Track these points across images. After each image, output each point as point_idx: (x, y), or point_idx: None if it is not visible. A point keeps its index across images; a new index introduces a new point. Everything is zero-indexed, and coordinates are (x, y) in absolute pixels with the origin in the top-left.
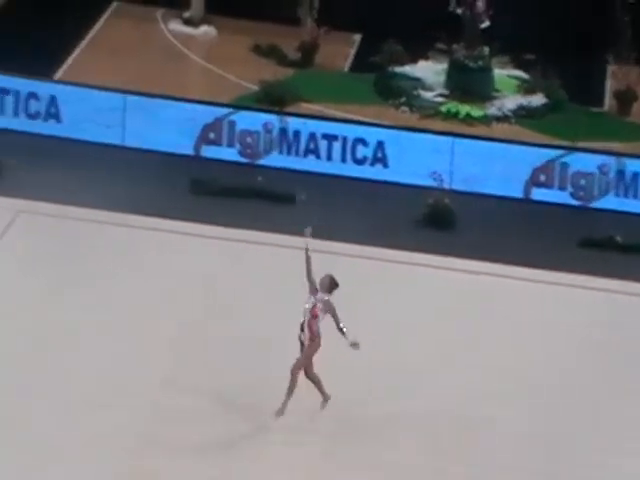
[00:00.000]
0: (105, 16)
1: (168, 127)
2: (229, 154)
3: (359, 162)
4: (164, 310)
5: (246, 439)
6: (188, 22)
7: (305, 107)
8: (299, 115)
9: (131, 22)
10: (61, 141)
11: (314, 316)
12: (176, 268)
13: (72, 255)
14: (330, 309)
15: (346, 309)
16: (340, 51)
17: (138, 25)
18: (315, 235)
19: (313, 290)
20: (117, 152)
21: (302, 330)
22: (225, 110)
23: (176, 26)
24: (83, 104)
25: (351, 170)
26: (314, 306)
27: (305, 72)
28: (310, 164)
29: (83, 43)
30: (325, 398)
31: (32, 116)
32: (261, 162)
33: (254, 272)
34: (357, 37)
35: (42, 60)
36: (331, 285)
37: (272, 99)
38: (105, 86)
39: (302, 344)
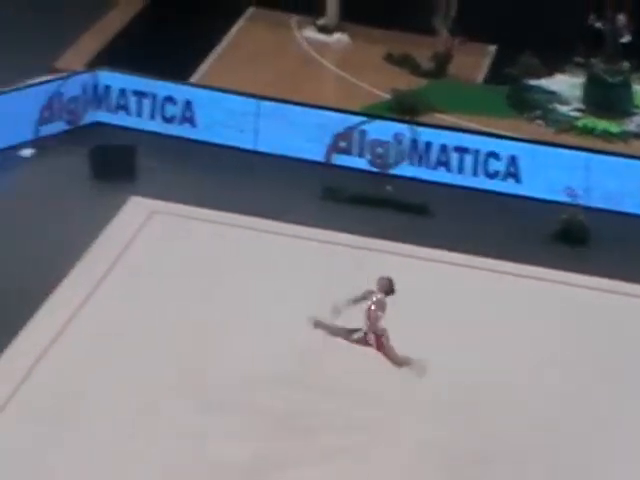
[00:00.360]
0: (241, 21)
1: (300, 133)
2: (359, 163)
3: (491, 176)
4: (289, 313)
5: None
6: (322, 29)
7: (437, 118)
8: (431, 126)
9: (266, 28)
10: (195, 144)
11: (373, 318)
12: (303, 273)
13: (202, 256)
14: (383, 307)
15: (480, 324)
16: (474, 62)
17: (273, 31)
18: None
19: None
20: (249, 156)
21: (366, 335)
22: (357, 119)
23: (310, 33)
24: (217, 108)
25: (483, 183)
26: (370, 307)
27: (438, 82)
28: (441, 175)
29: (219, 48)
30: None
31: (168, 120)
32: (391, 171)
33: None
34: (492, 48)
35: (179, 64)
36: (389, 286)
37: (404, 108)
38: (239, 91)
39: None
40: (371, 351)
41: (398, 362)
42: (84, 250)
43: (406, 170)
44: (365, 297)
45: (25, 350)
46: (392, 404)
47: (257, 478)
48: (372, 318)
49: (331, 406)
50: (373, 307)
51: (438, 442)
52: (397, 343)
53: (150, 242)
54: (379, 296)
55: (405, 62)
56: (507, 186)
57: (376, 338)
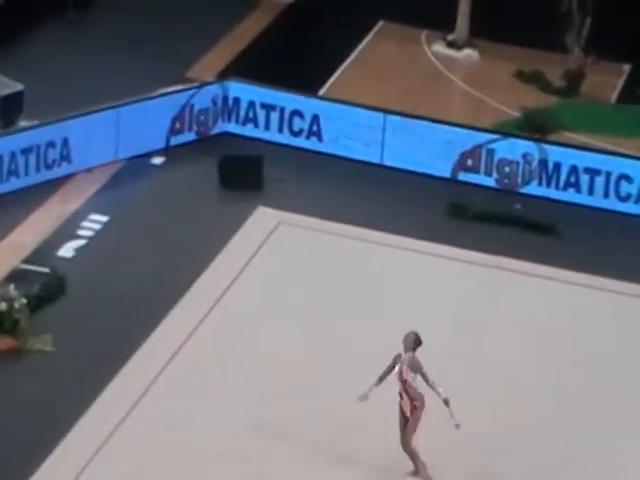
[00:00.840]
0: (370, 35)
1: (426, 149)
2: (486, 181)
3: (623, 199)
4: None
5: None
6: (452, 45)
7: (568, 137)
8: (561, 145)
9: (395, 42)
10: (322, 156)
11: (403, 382)
12: (426, 290)
13: (326, 268)
14: (417, 366)
15: (607, 348)
16: (607, 81)
17: (402, 45)
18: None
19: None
20: (375, 170)
21: (401, 397)
22: (484, 137)
23: (439, 48)
24: (344, 121)
25: (615, 205)
26: (401, 371)
27: (569, 101)
28: (570, 196)
29: (348, 61)
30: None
31: (295, 132)
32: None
33: (503, 300)
34: (626, 67)
35: (308, 76)
36: (415, 343)
37: (533, 127)
38: (366, 104)
39: (404, 413)
40: None
41: (407, 440)
42: (211, 258)
43: (534, 189)
44: (394, 364)
45: (158, 351)
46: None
47: None
48: (404, 383)
49: None
50: (404, 370)
51: None
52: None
53: (276, 252)
54: (408, 355)
55: (536, 79)
56: (638, 209)
57: (410, 402)
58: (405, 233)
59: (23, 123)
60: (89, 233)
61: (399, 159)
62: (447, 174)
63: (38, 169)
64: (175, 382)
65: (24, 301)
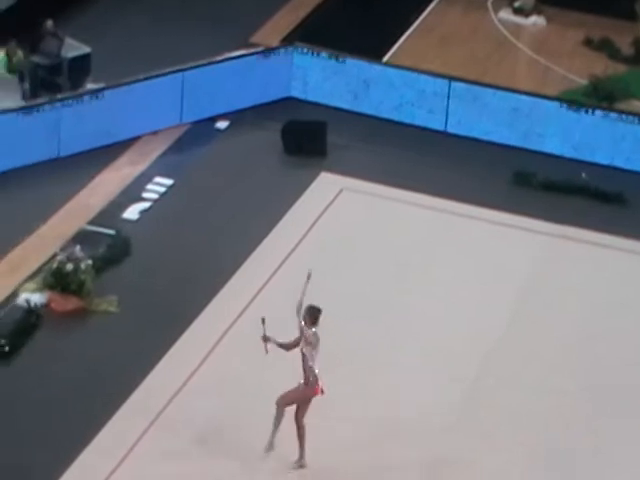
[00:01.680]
0: (435, 1)
1: (492, 116)
2: (553, 148)
3: None
4: (473, 298)
5: None
6: (518, 11)
7: (636, 105)
8: (628, 113)
9: (461, 9)
10: (385, 122)
11: (302, 354)
12: (491, 258)
13: (389, 235)
14: (310, 341)
15: None
16: None
17: (467, 12)
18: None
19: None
20: (439, 137)
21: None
22: (551, 104)
23: (506, 15)
24: (409, 88)
25: None
26: (299, 343)
27: (638, 69)
28: (638, 165)
29: (413, 27)
30: (301, 459)
31: (359, 97)
32: (586, 158)
33: (569, 270)
34: None
35: (372, 43)
36: (312, 317)
37: (601, 95)
38: (431, 71)
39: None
40: None
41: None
42: (274, 223)
43: (602, 157)
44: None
45: (222, 312)
46: None
47: None
48: (303, 355)
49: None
50: (302, 343)
51: None
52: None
53: (338, 218)
54: (308, 329)
55: (604, 47)
56: None
57: (304, 376)
58: (469, 201)
59: (90, 85)
60: (154, 196)
61: (463, 127)
62: (512, 142)
63: (104, 131)
64: (240, 342)
65: (90, 262)
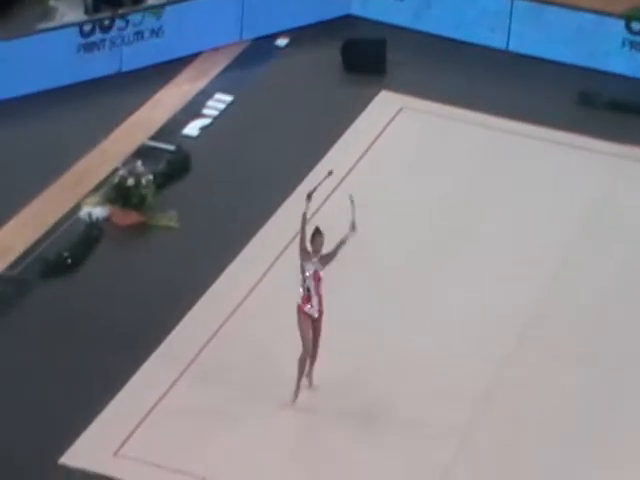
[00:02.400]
0: None
1: (555, 35)
2: (618, 68)
3: None
4: (537, 220)
5: None
6: None
7: None
8: None
9: None
10: (445, 40)
11: (318, 280)
12: (555, 179)
13: (449, 155)
14: (327, 260)
15: None
16: None
17: None
18: None
19: (306, 257)
20: (500, 56)
21: (310, 303)
22: (617, 23)
23: None
24: (470, 6)
25: None
26: (316, 271)
27: None
28: None
29: None
30: (309, 382)
31: (418, 15)
32: None
33: (635, 191)
34: None
35: None
36: (316, 241)
37: None
38: None
39: (313, 319)
40: None
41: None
42: (333, 141)
43: None
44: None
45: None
46: None
47: None
48: (319, 281)
49: None
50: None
51: None
52: None
53: (398, 137)
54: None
55: None
56: None
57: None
58: (532, 121)
59: (151, 1)
60: (214, 112)
61: (526, 46)
62: (577, 61)
63: (164, 47)
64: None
65: (150, 177)
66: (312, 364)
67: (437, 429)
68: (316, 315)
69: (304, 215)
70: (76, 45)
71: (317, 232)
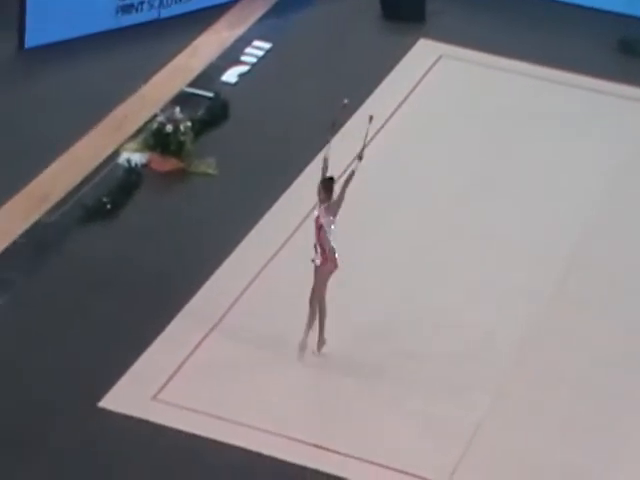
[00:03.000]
0: None
1: None
2: None
3: None
4: (574, 171)
5: None
6: None
7: None
8: None
9: None
10: None
11: (318, 227)
12: (593, 128)
13: (488, 104)
14: (333, 210)
15: None
16: None
17: None
18: None
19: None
20: (541, 4)
21: (315, 250)
22: None
23: None
24: None
25: None
26: (317, 217)
27: None
28: None
29: None
30: (320, 341)
31: None
32: None
33: None
34: None
35: None
36: (325, 188)
37: None
38: None
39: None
40: None
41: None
42: (372, 89)
43: None
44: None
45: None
46: None
47: None
48: (320, 229)
49: None
50: (323, 220)
51: None
52: None
53: (437, 85)
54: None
55: None
56: None
57: (322, 252)
58: (572, 69)
59: None
60: (252, 59)
61: None
62: (618, 9)
63: None
64: None
65: (189, 124)
66: (310, 324)
67: (466, 387)
68: (316, 263)
69: (325, 160)
70: None
71: (323, 182)
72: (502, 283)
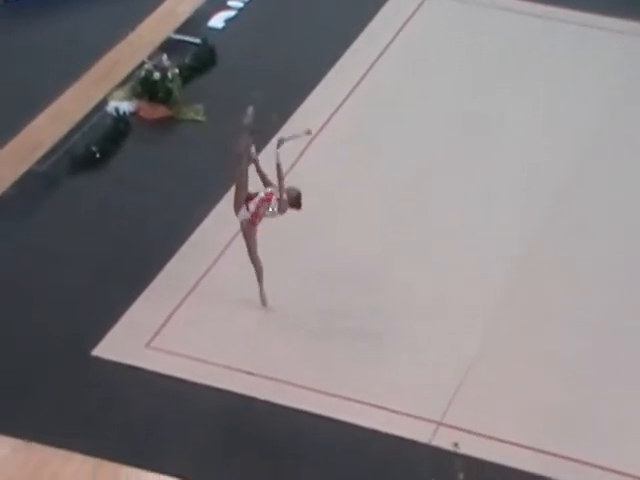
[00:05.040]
0: None
1: None
2: None
3: None
4: (576, 107)
5: None
6: None
7: None
8: None
9: None
10: None
11: (267, 199)
12: (594, 66)
13: (480, 44)
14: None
15: None
16: None
17: None
18: None
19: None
20: None
21: (247, 208)
22: None
23: None
24: None
25: None
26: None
27: None
28: None
29: None
30: (262, 296)
31: None
32: None
33: None
34: None
35: None
36: (294, 201)
37: None
38: None
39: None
40: None
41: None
42: (359, 31)
43: None
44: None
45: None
46: None
47: None
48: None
49: None
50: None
51: None
52: None
53: (425, 26)
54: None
55: None
56: None
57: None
58: (564, 4)
59: None
60: (239, 4)
61: None
62: None
63: None
64: (322, 154)
65: (177, 71)
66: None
67: (455, 328)
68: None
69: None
70: None
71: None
72: (493, 220)
